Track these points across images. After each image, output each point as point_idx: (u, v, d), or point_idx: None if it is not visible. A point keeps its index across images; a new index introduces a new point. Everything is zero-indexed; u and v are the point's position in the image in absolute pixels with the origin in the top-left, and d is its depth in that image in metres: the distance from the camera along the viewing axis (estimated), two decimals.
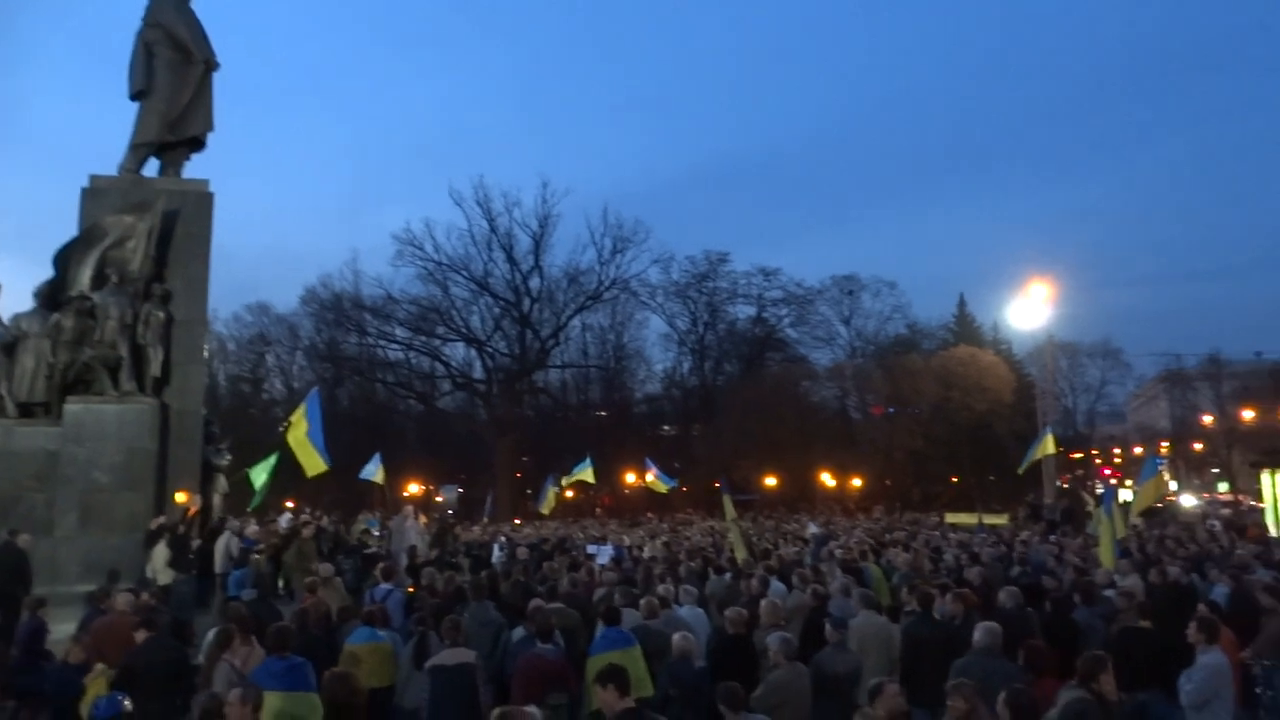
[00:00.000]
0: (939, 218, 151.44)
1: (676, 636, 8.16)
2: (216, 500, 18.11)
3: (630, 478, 55.32)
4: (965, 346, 61.30)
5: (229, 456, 19.27)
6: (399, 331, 68.23)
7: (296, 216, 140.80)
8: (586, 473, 28.50)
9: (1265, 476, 28.26)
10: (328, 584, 12.16)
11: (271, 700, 6.44)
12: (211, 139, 18.73)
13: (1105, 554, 13.75)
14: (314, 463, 17.71)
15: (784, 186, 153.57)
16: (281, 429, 19.31)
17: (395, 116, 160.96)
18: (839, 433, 62.74)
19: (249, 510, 22.69)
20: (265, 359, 68.34)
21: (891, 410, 60.62)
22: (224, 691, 6.55)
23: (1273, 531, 23.49)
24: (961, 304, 72.10)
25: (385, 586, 11.95)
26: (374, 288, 66.17)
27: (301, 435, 17.43)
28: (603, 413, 73.12)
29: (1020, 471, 30.82)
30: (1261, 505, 27.45)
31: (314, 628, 9.32)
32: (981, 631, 7.65)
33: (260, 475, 20.22)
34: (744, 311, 73.37)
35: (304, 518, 22.12)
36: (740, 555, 15.52)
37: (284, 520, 23.13)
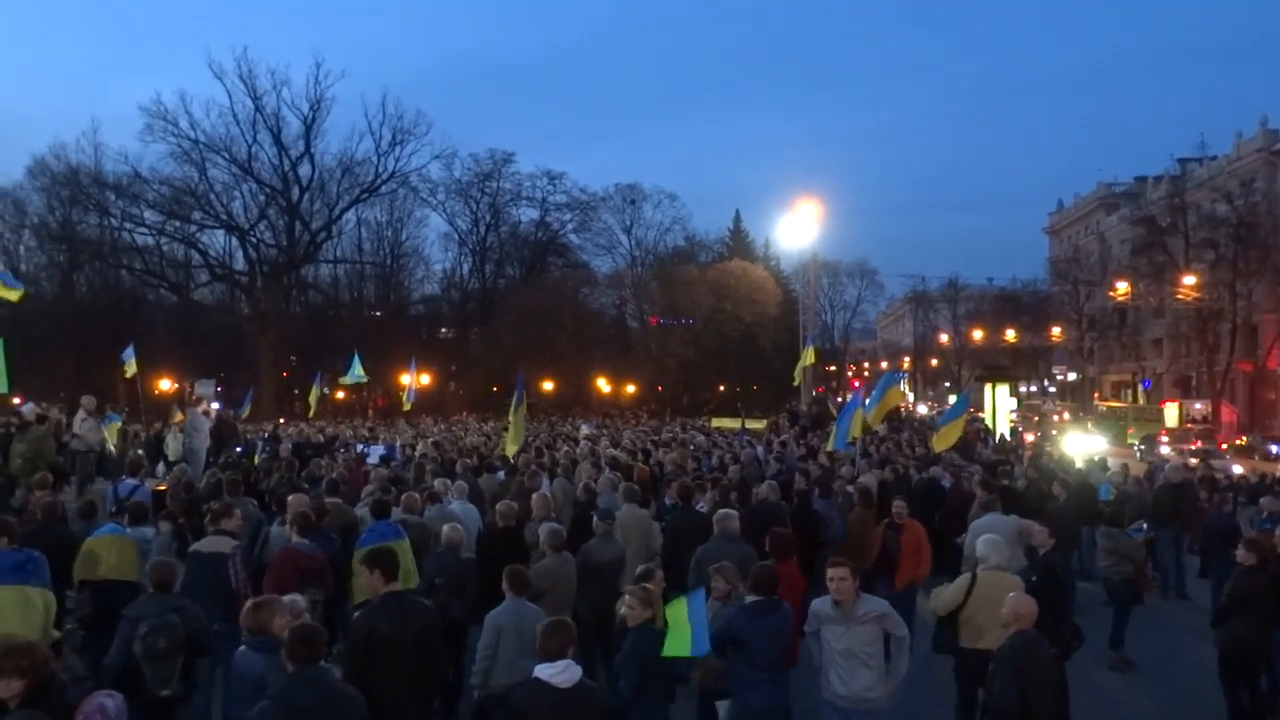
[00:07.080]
0: (721, 133, 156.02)
1: (446, 527, 8.20)
2: None
3: (405, 379, 54.14)
4: (739, 260, 64.01)
5: None
6: (148, 214, 62.33)
7: (25, 74, 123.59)
8: (358, 371, 27.39)
9: (987, 389, 31.77)
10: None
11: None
12: None
13: (856, 429, 15.60)
14: None
15: (572, 89, 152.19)
16: None
17: None
18: (616, 340, 64.20)
19: None
20: None
21: (664, 321, 62.59)
22: None
23: (996, 436, 26.66)
24: (737, 219, 75.05)
25: (131, 482, 11.25)
26: (118, 164, 59.73)
27: None
28: (377, 312, 70.70)
29: (795, 383, 33.03)
30: (983, 414, 30.91)
31: (58, 524, 8.68)
32: (719, 519, 8.29)
33: None
34: (527, 214, 72.74)
35: (46, 410, 19.91)
36: (511, 449, 15.71)
37: (27, 410, 20.73)
